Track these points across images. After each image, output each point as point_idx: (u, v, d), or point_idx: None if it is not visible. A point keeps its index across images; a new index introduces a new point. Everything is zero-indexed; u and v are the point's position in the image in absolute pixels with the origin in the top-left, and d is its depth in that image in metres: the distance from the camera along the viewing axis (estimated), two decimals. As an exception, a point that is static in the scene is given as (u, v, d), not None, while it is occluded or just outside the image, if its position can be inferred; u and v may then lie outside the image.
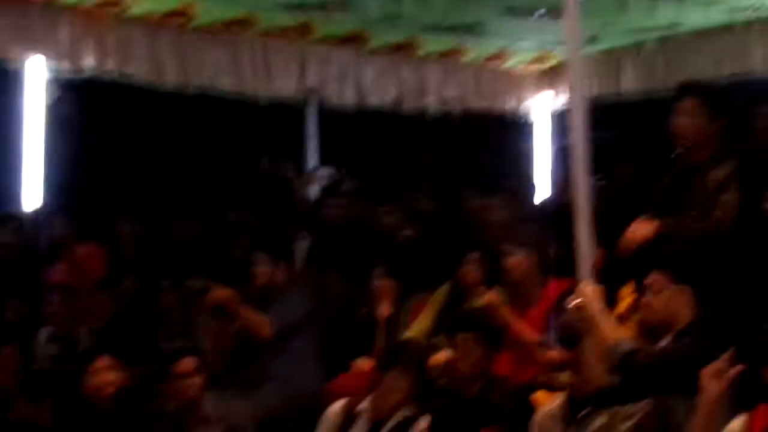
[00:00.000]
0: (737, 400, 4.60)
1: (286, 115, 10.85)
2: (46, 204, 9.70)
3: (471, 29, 9.84)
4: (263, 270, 7.55)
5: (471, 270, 7.36)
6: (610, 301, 5.69)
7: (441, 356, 6.70)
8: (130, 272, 8.76)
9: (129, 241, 9.24)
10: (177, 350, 6.75)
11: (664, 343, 5.00)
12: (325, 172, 10.39)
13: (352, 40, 10.09)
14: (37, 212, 9.38)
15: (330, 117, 10.75)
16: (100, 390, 6.40)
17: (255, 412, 6.83)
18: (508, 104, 11.07)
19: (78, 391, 6.73)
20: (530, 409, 6.05)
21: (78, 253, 8.68)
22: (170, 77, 9.53)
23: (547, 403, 5.97)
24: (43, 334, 8.22)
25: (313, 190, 10.21)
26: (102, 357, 6.51)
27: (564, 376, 5.99)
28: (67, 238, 8.85)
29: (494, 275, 7.22)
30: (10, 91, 9.41)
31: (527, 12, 9.15)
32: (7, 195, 9.62)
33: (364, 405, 6.42)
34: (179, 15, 9.28)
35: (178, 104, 10.65)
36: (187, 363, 6.49)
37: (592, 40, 9.50)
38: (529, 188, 9.62)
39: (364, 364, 7.21)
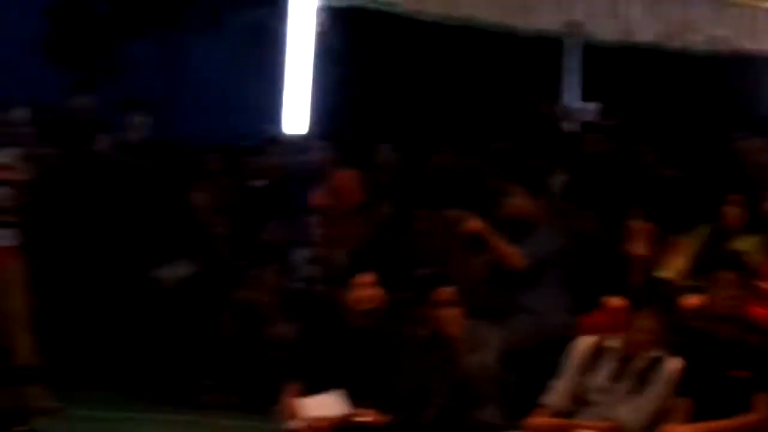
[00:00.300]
0: None
1: (546, 49, 10.75)
2: (309, 129, 9.98)
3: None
4: (517, 202, 7.53)
5: (732, 212, 7.16)
6: None
7: (695, 298, 6.55)
8: (387, 199, 8.90)
9: (387, 167, 9.38)
10: (432, 277, 6.82)
11: None
12: (586, 108, 10.25)
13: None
14: (300, 137, 9.64)
15: (592, 52, 10.58)
16: (358, 304, 6.52)
17: (505, 343, 6.85)
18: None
19: (333, 311, 6.93)
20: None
21: (338, 178, 8.89)
22: (433, 8, 9.58)
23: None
24: (301, 255, 8.46)
25: (573, 125, 10.10)
26: (364, 273, 6.61)
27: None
28: (327, 163, 9.05)
29: (756, 218, 7.01)
30: (280, 18, 9.66)
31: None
32: (273, 119, 9.94)
33: (613, 342, 6.35)
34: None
35: (439, 35, 10.70)
36: (444, 291, 6.55)
37: None
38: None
39: (615, 301, 7.12)
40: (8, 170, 7.30)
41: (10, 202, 7.26)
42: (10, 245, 7.29)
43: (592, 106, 10.20)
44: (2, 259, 7.23)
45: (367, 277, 6.50)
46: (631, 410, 6.06)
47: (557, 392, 6.32)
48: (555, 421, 6.21)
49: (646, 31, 10.23)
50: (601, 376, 6.24)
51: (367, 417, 6.08)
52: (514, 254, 7.27)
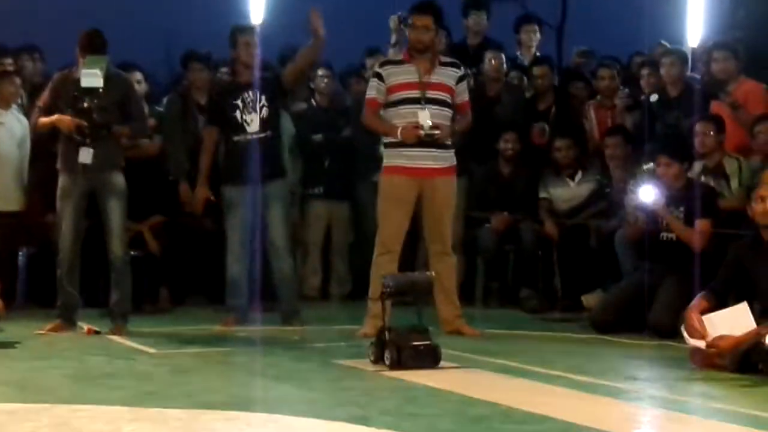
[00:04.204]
0: None
1: None
2: (709, 40, 9.58)
3: None
4: None
5: None
6: None
7: None
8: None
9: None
10: None
11: None
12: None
13: None
14: (700, 48, 9.29)
15: None
16: (764, 217, 6.22)
17: None
18: None
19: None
20: None
21: (739, 90, 8.48)
22: None
23: None
24: (697, 167, 8.17)
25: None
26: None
27: None
28: (728, 74, 8.64)
29: None
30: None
31: None
32: (671, 31, 9.62)
33: None
34: None
35: None
36: None
37: None
38: None
39: None
40: (448, 90, 7.41)
41: (447, 122, 7.37)
42: (450, 166, 7.44)
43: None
44: (443, 179, 7.39)
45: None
46: None
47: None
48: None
49: None
50: None
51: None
52: None
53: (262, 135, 7.80)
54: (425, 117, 7.25)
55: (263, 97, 7.80)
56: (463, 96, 7.53)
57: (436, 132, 7.25)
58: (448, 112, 7.41)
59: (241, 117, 7.78)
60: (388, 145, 7.44)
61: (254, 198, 7.76)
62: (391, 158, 7.43)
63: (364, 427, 4.01)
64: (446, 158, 7.42)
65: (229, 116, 7.81)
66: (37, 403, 4.66)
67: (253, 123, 7.79)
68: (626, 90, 9.68)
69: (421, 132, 7.21)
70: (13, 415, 4.10)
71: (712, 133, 8.11)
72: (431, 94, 7.34)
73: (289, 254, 8.05)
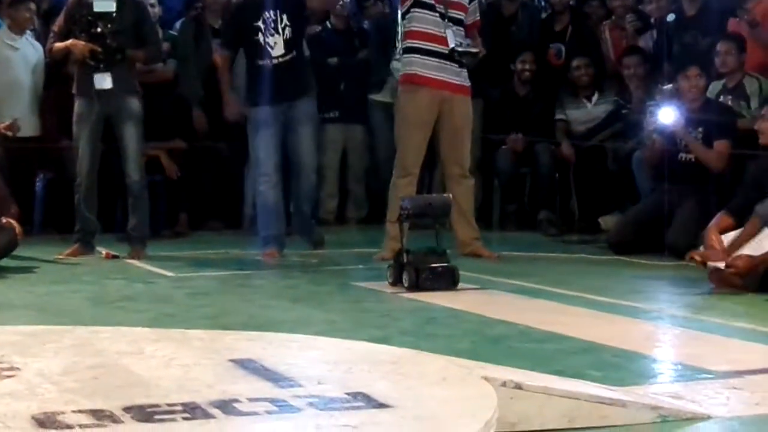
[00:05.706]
0: None
1: None
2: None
3: None
4: None
5: None
6: None
7: None
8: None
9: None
10: None
11: None
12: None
13: None
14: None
15: None
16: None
17: None
18: None
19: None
20: None
21: (758, 6, 8.37)
22: None
23: None
24: (717, 86, 8.11)
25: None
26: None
27: None
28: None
29: None
30: None
31: None
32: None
33: None
34: None
35: None
36: None
37: None
38: None
39: None
40: (464, 9, 7.29)
41: (465, 42, 7.27)
42: (467, 86, 7.35)
43: None
44: (461, 97, 7.31)
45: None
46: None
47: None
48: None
49: None
50: None
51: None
52: None
53: (287, 57, 7.41)
54: (452, 37, 7.15)
55: (284, 17, 7.38)
56: (475, 15, 7.40)
57: (475, 50, 7.19)
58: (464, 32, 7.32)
59: (264, 40, 7.37)
60: (407, 51, 7.28)
61: (283, 118, 7.42)
62: (411, 66, 7.26)
63: (385, 345, 4.03)
64: (464, 77, 7.35)
65: (251, 39, 7.41)
66: (57, 325, 4.69)
67: (277, 46, 7.37)
68: (640, 10, 9.57)
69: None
70: (34, 337, 4.11)
71: (734, 52, 8.03)
72: (452, 12, 7.23)
73: (314, 173, 7.74)
